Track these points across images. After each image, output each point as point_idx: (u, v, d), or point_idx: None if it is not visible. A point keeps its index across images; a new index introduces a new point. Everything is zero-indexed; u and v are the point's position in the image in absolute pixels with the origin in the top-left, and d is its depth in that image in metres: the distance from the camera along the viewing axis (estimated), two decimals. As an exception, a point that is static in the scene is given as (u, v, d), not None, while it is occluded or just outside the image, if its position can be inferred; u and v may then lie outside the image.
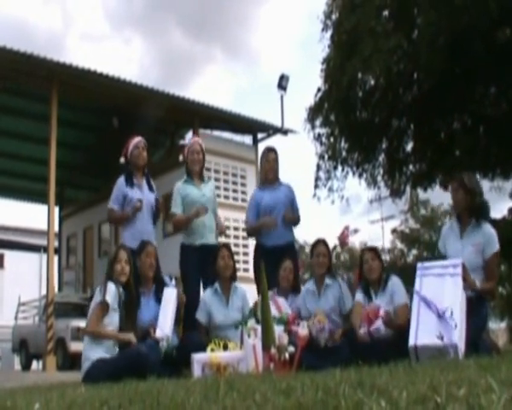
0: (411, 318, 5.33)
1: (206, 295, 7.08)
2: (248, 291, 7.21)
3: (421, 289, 5.44)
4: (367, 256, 6.52)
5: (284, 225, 7.74)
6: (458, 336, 4.96)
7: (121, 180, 7.58)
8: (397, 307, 6.14)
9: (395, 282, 6.36)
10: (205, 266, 7.27)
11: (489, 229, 6.08)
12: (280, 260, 7.21)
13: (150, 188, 7.71)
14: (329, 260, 7.04)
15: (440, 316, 5.11)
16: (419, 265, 5.71)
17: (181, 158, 8.02)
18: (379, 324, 5.80)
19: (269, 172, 7.99)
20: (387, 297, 6.26)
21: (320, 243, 7.05)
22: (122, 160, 7.72)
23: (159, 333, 6.25)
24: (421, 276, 5.57)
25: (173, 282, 6.89)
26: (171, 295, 6.62)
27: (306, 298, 6.94)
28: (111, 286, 5.94)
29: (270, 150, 8.11)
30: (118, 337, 5.94)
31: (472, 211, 6.10)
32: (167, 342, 6.21)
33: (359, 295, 6.50)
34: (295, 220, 7.96)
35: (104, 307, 5.85)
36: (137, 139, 7.72)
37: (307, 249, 52.20)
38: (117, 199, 7.50)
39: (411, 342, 5.13)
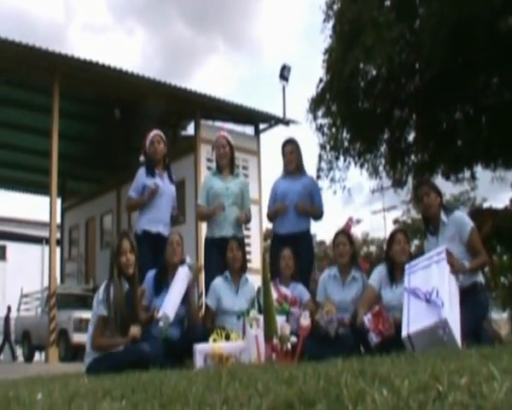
0: (402, 313, 5.36)
1: (216, 280, 7.12)
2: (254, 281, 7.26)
3: (410, 285, 5.49)
4: (399, 237, 6.45)
5: (297, 213, 7.74)
6: (448, 312, 4.97)
7: (141, 171, 7.70)
8: None
9: None
10: (225, 257, 7.31)
11: (456, 215, 6.27)
12: (292, 248, 7.25)
13: (171, 180, 7.78)
14: (351, 247, 7.02)
15: (428, 300, 5.14)
16: (406, 266, 5.80)
17: (142, 158, 8.11)
18: (376, 340, 5.75)
19: (288, 165, 8.02)
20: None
21: (339, 233, 7.05)
22: (142, 158, 7.83)
23: (160, 313, 6.25)
24: (408, 274, 5.65)
25: (188, 260, 6.88)
26: (182, 274, 6.63)
27: (328, 283, 6.92)
28: (110, 291, 5.85)
29: (287, 143, 8.13)
30: (123, 343, 5.91)
31: (441, 210, 6.29)
32: (165, 322, 6.21)
33: (375, 279, 6.45)
34: (314, 213, 7.94)
35: (102, 321, 5.80)
36: (152, 134, 7.79)
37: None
38: (136, 188, 7.63)
39: (404, 333, 5.15)
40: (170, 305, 6.34)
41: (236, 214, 7.66)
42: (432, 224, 6.34)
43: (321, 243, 45.94)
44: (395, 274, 6.30)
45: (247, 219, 7.90)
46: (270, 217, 8.17)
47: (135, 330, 5.94)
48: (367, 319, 5.81)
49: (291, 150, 8.01)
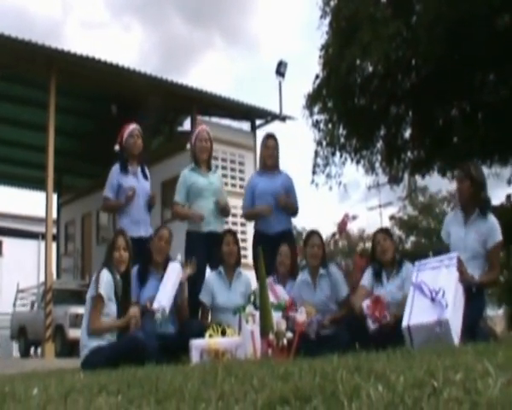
0: (406, 304, 5.37)
1: (209, 276, 7.13)
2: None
3: (417, 279, 5.49)
4: (379, 237, 6.47)
5: (281, 211, 7.73)
6: (450, 315, 4.99)
7: (116, 168, 7.59)
8: (404, 296, 6.05)
9: (409, 268, 6.17)
10: (211, 252, 7.29)
11: (493, 219, 6.10)
12: (277, 247, 7.22)
13: (145, 176, 7.70)
14: (323, 251, 7.02)
15: (433, 299, 5.14)
16: (416, 263, 5.78)
17: (188, 146, 8.03)
18: (373, 326, 5.76)
19: (267, 159, 7.97)
20: (399, 282, 6.21)
21: (314, 234, 7.02)
22: (117, 147, 7.72)
23: (155, 305, 6.26)
24: (417, 271, 5.63)
25: (179, 257, 6.88)
26: (174, 269, 6.62)
27: (301, 289, 6.92)
28: (104, 276, 5.87)
29: (270, 137, 8.08)
30: (123, 324, 5.94)
31: (476, 202, 6.11)
32: (162, 315, 6.22)
33: (366, 280, 6.45)
34: (292, 209, 7.94)
35: (100, 301, 5.82)
36: (132, 127, 7.69)
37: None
38: (111, 188, 7.51)
39: (405, 323, 5.16)
40: (165, 297, 6.35)
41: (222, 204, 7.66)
42: (465, 211, 6.21)
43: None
44: (384, 272, 6.34)
45: (227, 207, 7.86)
46: (249, 217, 8.16)
47: (134, 309, 5.97)
48: (365, 304, 5.82)
49: (274, 145, 7.99)
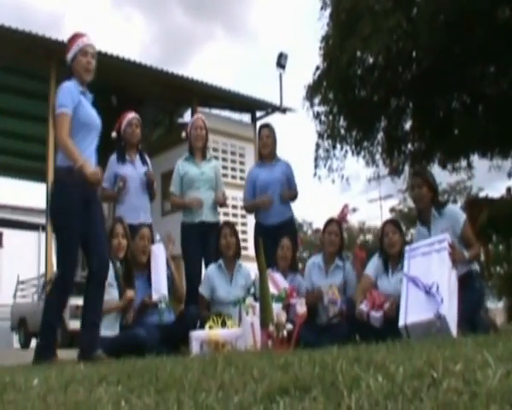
0: (401, 299, 5.38)
1: (209, 269, 7.13)
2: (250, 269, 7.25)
3: (410, 270, 5.51)
4: (388, 229, 6.46)
5: (282, 202, 7.76)
6: (446, 310, 5.00)
7: (113, 158, 7.57)
8: None
9: None
10: (205, 243, 7.30)
11: (448, 209, 6.36)
12: (279, 238, 7.23)
13: (144, 162, 7.66)
14: (341, 239, 7.04)
15: (427, 292, 5.16)
16: (406, 248, 5.82)
17: (183, 135, 8.00)
18: (378, 315, 5.77)
19: (263, 149, 8.02)
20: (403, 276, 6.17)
21: (333, 222, 7.06)
22: (114, 134, 7.67)
23: (155, 296, 6.27)
24: (408, 258, 5.67)
25: (158, 237, 6.88)
26: (158, 251, 6.63)
27: (312, 271, 6.94)
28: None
29: (264, 127, 8.17)
30: (119, 307, 5.96)
31: (433, 205, 6.31)
32: (164, 302, 6.25)
33: (370, 269, 6.45)
34: (292, 197, 7.98)
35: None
36: (131, 116, 7.64)
37: (305, 228, 52.35)
38: (108, 178, 7.44)
39: (401, 322, 5.20)
40: (161, 284, 6.37)
41: (213, 198, 7.66)
42: (423, 215, 6.37)
43: (317, 230, 45.95)
44: (390, 264, 6.33)
45: (224, 201, 7.87)
46: (249, 209, 8.17)
47: (130, 292, 6.01)
48: (364, 305, 5.83)
49: (267, 134, 8.05)
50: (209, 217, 7.56)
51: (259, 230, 7.78)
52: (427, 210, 6.30)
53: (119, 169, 7.40)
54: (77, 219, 5.36)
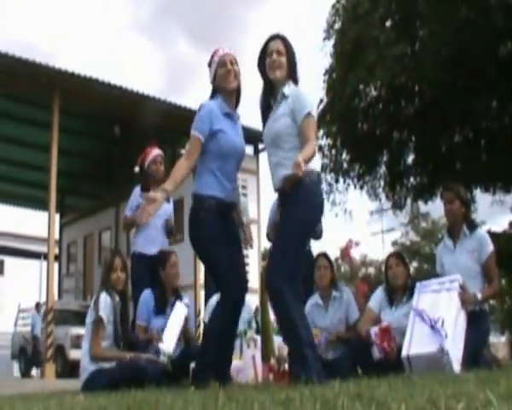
0: (406, 331, 5.35)
1: (213, 300, 7.10)
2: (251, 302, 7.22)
3: (418, 304, 5.48)
4: (391, 262, 6.39)
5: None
6: (450, 345, 4.98)
7: (137, 189, 7.63)
8: None
9: None
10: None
11: (480, 233, 6.20)
12: None
13: (167, 200, 7.61)
14: (331, 271, 7.00)
15: (433, 326, 5.13)
16: (418, 284, 5.76)
17: (137, 169, 7.91)
18: (380, 354, 5.73)
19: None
20: (407, 309, 5.87)
21: (321, 256, 7.01)
22: (137, 169, 7.70)
23: (161, 346, 6.23)
24: (418, 293, 5.62)
25: (186, 300, 6.82)
26: (181, 311, 6.59)
27: (313, 312, 6.88)
28: (103, 299, 5.84)
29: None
30: (125, 358, 5.91)
31: (465, 221, 6.19)
32: (168, 358, 6.20)
33: (374, 302, 6.41)
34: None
35: (100, 324, 5.79)
36: (156, 153, 7.68)
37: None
38: (130, 207, 7.53)
39: (404, 352, 5.15)
40: (171, 342, 6.33)
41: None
42: (453, 229, 6.28)
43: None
44: (394, 296, 6.29)
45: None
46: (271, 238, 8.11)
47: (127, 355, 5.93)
48: (374, 331, 5.78)
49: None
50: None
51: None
52: (458, 225, 6.19)
53: (143, 200, 7.40)
54: None
